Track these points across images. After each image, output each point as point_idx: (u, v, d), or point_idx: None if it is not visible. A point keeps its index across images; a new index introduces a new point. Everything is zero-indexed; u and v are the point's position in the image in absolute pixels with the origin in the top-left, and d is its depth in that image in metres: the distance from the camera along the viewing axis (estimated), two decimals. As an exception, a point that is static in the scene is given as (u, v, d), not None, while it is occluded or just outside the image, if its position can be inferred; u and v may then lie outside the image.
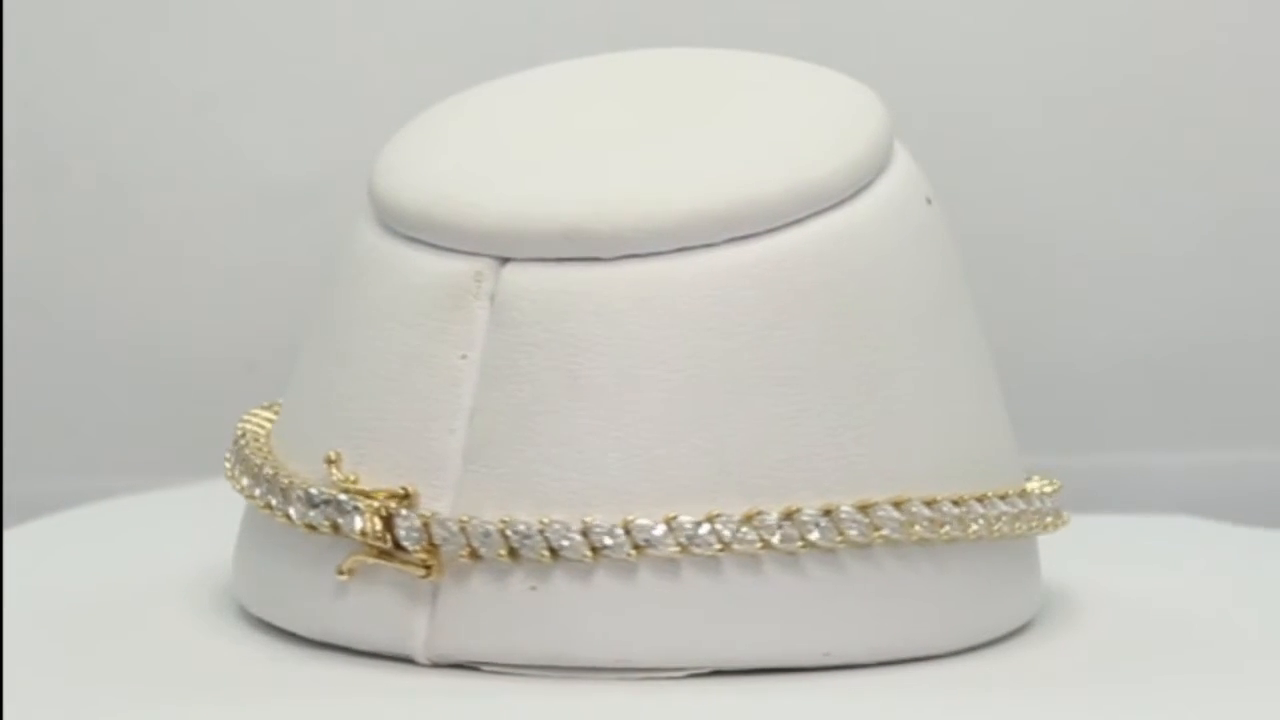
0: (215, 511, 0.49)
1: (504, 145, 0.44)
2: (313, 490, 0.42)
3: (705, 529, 0.40)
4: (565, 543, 0.40)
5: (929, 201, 0.44)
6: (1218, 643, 0.46)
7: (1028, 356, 0.74)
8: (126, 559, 0.52)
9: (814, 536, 0.41)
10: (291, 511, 0.42)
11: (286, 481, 0.43)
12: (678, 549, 0.40)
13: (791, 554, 0.41)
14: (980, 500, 0.43)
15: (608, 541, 0.40)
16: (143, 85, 0.73)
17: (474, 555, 0.41)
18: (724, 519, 0.40)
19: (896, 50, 0.73)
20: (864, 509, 0.41)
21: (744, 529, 0.40)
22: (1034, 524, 0.44)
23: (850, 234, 0.42)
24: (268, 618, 0.44)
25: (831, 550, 0.41)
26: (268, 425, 0.46)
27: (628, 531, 0.40)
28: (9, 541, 0.52)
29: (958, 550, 0.43)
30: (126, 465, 0.74)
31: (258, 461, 0.44)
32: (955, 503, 0.42)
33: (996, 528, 0.43)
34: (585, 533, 0.40)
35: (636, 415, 0.41)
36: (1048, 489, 0.46)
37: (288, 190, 0.73)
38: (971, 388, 0.44)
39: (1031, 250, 0.74)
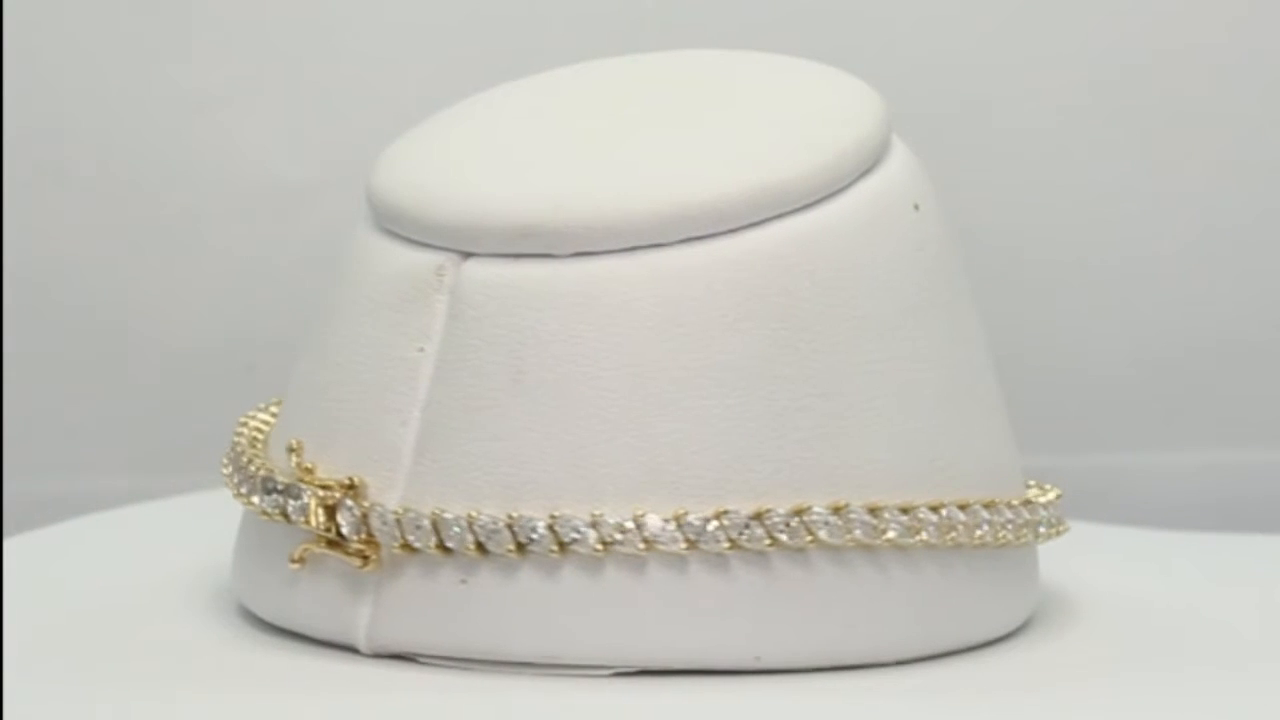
0: (224, 517, 0.49)
1: (487, 145, 0.45)
2: (270, 478, 0.43)
3: (630, 527, 0.40)
4: (492, 538, 0.41)
5: (917, 208, 0.44)
6: (1215, 644, 0.46)
7: (1028, 357, 0.74)
8: (127, 560, 0.52)
9: (742, 539, 0.40)
10: (255, 499, 0.43)
11: (253, 469, 0.43)
12: (601, 547, 0.40)
13: (719, 555, 0.41)
14: (935, 509, 0.42)
15: (534, 537, 0.40)
16: (143, 85, 0.73)
17: (407, 548, 0.41)
18: (650, 518, 0.40)
19: (897, 50, 0.73)
20: (799, 513, 0.41)
21: (670, 529, 0.40)
22: (1011, 534, 0.44)
23: (813, 238, 0.42)
24: (248, 606, 0.45)
25: (761, 553, 0.41)
26: (268, 423, 0.47)
27: (552, 528, 0.40)
28: (9, 550, 0.52)
29: (904, 558, 0.42)
30: (126, 465, 0.74)
31: (239, 452, 0.45)
32: (903, 510, 0.41)
33: (950, 536, 0.42)
34: (512, 528, 0.41)
35: (574, 412, 0.41)
36: (1039, 498, 0.45)
37: (288, 190, 0.73)
38: (951, 396, 0.44)
39: (1031, 251, 0.74)
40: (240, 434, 0.46)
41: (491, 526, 0.41)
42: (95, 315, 0.74)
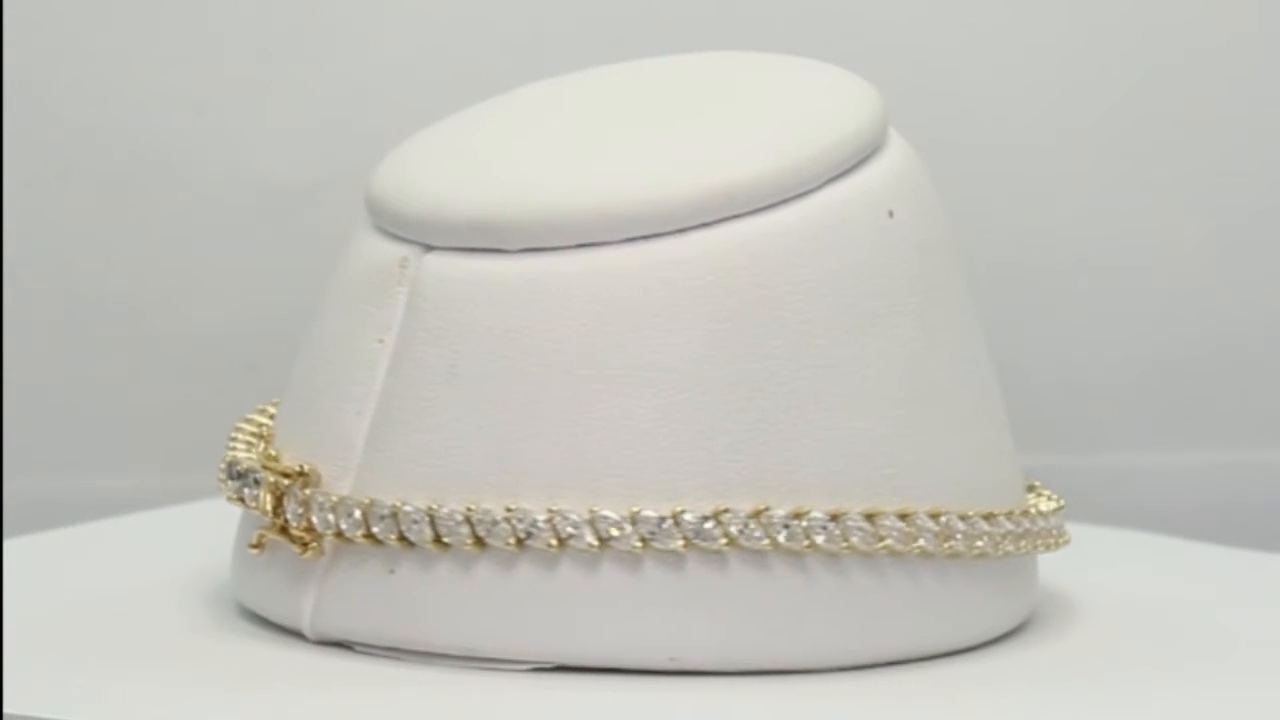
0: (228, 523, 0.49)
1: (467, 143, 0.45)
2: (236, 463, 0.44)
3: (543, 524, 0.40)
4: (413, 529, 0.41)
5: (891, 214, 0.43)
6: (1213, 645, 0.46)
7: (1028, 357, 0.74)
8: (127, 561, 0.52)
9: (654, 540, 0.40)
10: (226, 484, 0.44)
11: (228, 456, 0.44)
12: (515, 542, 0.40)
13: (632, 555, 0.41)
14: (870, 517, 0.41)
15: (451, 530, 0.41)
16: (143, 86, 0.73)
17: (341, 537, 0.42)
18: (568, 515, 0.40)
19: (898, 51, 0.73)
20: (716, 515, 0.40)
21: (584, 527, 0.40)
22: (963, 545, 0.42)
23: (764, 242, 0.42)
24: (235, 594, 0.46)
25: (674, 553, 0.41)
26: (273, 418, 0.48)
27: (470, 521, 0.41)
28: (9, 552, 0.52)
29: (834, 563, 0.41)
30: (127, 465, 0.74)
31: (229, 440, 0.46)
32: (833, 517, 0.41)
33: (883, 544, 0.41)
34: (433, 520, 0.41)
35: (501, 406, 0.41)
36: (1035, 506, 0.45)
37: (288, 191, 0.73)
38: (914, 404, 0.43)
39: (1032, 251, 0.74)
40: (241, 428, 0.46)
41: (414, 518, 0.41)
42: (95, 315, 0.74)
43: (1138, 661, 0.44)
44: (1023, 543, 0.44)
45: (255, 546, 0.43)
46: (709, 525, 0.40)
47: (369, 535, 0.41)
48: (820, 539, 0.41)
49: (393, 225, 0.44)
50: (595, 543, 0.40)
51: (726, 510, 0.41)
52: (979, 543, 0.43)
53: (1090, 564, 0.51)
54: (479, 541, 0.41)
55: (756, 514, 0.41)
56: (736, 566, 0.41)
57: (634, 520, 0.40)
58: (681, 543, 0.40)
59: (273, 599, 0.44)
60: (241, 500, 0.43)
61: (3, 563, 0.49)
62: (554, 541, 0.40)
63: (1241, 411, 0.74)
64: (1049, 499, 0.47)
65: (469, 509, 0.41)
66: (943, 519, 0.42)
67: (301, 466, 0.43)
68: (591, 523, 0.40)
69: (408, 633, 0.42)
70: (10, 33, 0.72)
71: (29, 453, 0.74)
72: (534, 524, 0.40)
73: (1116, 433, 0.74)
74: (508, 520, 0.40)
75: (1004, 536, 0.43)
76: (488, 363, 0.42)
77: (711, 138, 0.43)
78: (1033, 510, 0.45)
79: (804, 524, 0.41)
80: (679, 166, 0.42)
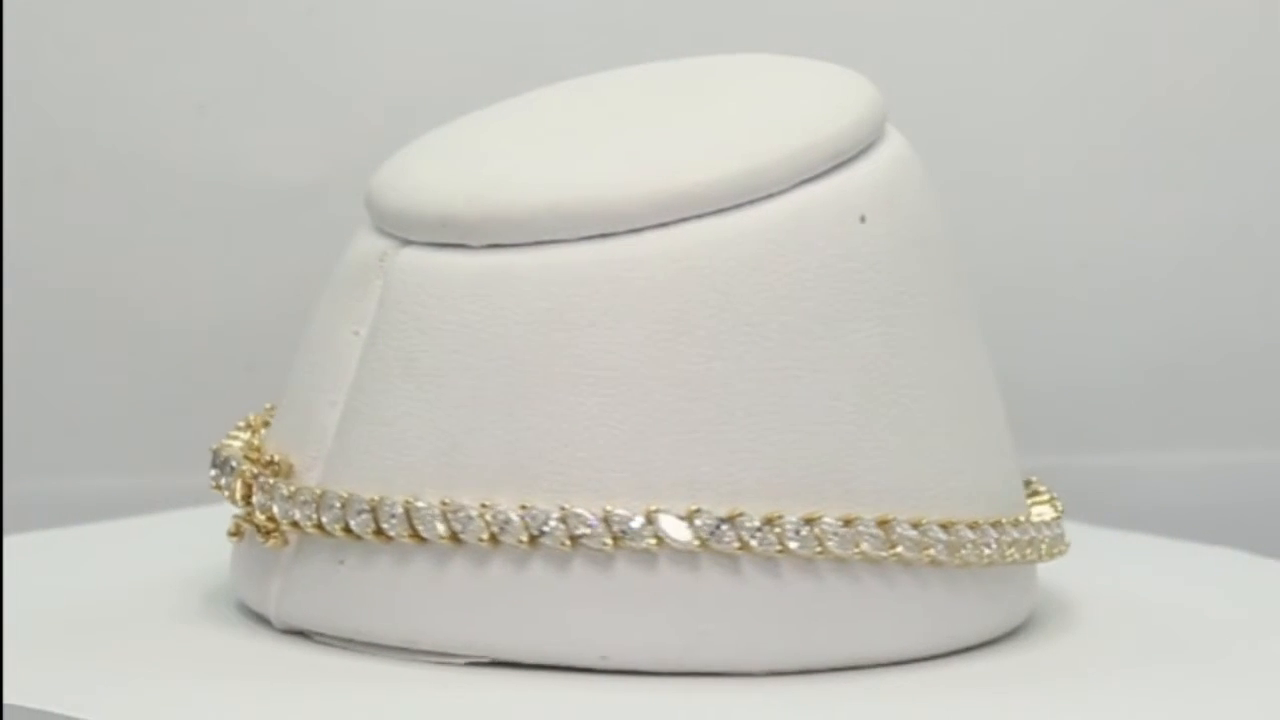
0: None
1: (457, 142, 0.46)
2: (218, 453, 0.45)
3: (474, 518, 0.41)
4: (357, 519, 0.42)
5: (863, 220, 0.43)
6: (1212, 645, 0.46)
7: (1028, 357, 0.74)
8: (126, 561, 0.52)
9: (584, 538, 0.40)
10: (210, 472, 0.45)
11: (216, 446, 0.45)
12: (448, 537, 0.41)
13: (562, 552, 0.41)
14: (810, 521, 0.41)
15: (392, 524, 0.41)
16: (143, 86, 0.73)
17: (295, 526, 0.42)
18: (499, 511, 0.41)
19: (897, 52, 0.73)
20: (648, 516, 0.40)
21: (516, 524, 0.40)
22: (914, 553, 0.42)
23: (719, 243, 0.42)
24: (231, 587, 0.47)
25: (605, 554, 0.40)
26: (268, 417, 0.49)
27: (409, 514, 0.41)
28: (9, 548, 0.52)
29: (769, 566, 0.41)
30: (127, 465, 0.74)
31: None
32: (768, 520, 0.40)
33: (821, 549, 0.41)
34: (375, 512, 0.41)
35: (447, 401, 0.42)
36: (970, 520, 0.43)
37: (288, 192, 0.73)
38: (868, 409, 0.42)
39: (1032, 252, 0.74)
40: (243, 420, 0.47)
41: (359, 510, 0.41)
42: (95, 315, 0.74)
43: (1137, 662, 0.44)
44: (1011, 551, 0.44)
45: (233, 534, 0.44)
46: (638, 524, 0.40)
47: (319, 526, 0.42)
48: (754, 542, 0.41)
49: (379, 220, 0.44)
50: (526, 539, 0.40)
51: (658, 510, 0.40)
52: (962, 551, 0.42)
53: (1090, 564, 0.51)
54: (416, 535, 0.41)
55: (689, 516, 0.40)
56: (666, 567, 0.41)
57: (565, 518, 0.40)
58: (610, 542, 0.40)
59: (248, 586, 0.44)
60: (220, 488, 0.44)
61: (2, 560, 0.50)
62: (486, 537, 0.41)
63: (1241, 412, 0.74)
64: (1050, 502, 0.47)
65: (408, 502, 0.41)
66: (898, 526, 0.42)
67: (273, 456, 0.43)
68: (524, 520, 0.40)
69: (355, 624, 0.42)
70: (10, 33, 0.72)
71: (29, 453, 0.74)
72: (468, 519, 0.41)
73: (1116, 433, 0.74)
74: (444, 515, 0.41)
75: (981, 544, 0.43)
76: (440, 357, 0.42)
77: (682, 139, 0.43)
78: (1024, 519, 0.44)
79: (738, 528, 0.41)
80: (641, 167, 0.42)
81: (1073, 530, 0.48)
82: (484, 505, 0.41)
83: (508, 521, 0.40)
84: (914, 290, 0.44)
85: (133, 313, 0.74)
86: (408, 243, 0.43)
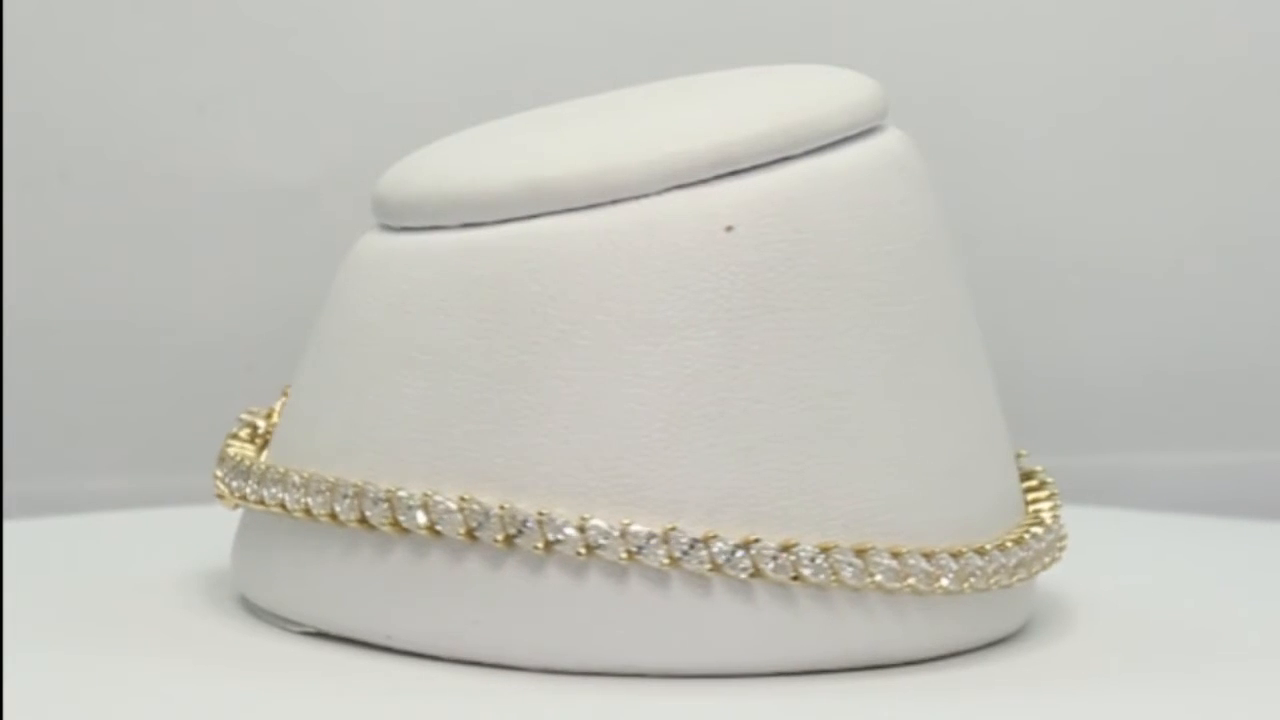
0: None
1: (469, 140, 0.46)
2: (235, 427, 0.47)
3: (417, 508, 0.41)
4: (251, 491, 0.43)
5: (729, 229, 0.41)
6: (1214, 643, 0.46)
7: (1028, 357, 0.74)
8: (125, 555, 0.52)
9: (403, 520, 0.41)
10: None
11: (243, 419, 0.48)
12: (304, 512, 0.42)
13: (383, 534, 0.41)
14: (622, 528, 0.40)
15: (319, 509, 0.42)
16: (143, 86, 0.73)
17: (261, 503, 0.43)
18: (340, 488, 0.42)
19: (899, 50, 0.73)
20: (581, 522, 0.40)
21: (346, 503, 0.41)
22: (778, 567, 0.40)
23: (560, 239, 0.42)
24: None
25: (538, 555, 0.40)
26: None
27: (285, 486, 0.43)
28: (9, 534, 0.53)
29: (605, 566, 0.40)
30: (126, 465, 0.74)
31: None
32: (579, 525, 0.40)
33: (796, 575, 0.40)
34: (260, 483, 0.43)
35: (334, 380, 0.44)
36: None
37: (288, 192, 0.73)
38: (687, 419, 0.41)
39: (1032, 252, 0.74)
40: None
41: (274, 477, 0.43)
42: (95, 315, 0.74)
43: (1137, 662, 0.44)
44: (997, 578, 0.42)
45: (220, 496, 0.45)
46: (452, 514, 0.41)
47: (282, 507, 0.43)
48: (723, 562, 0.40)
49: (372, 206, 0.45)
50: (355, 518, 0.41)
51: (473, 499, 0.41)
52: (943, 581, 0.41)
53: (1090, 564, 0.51)
54: (334, 518, 0.42)
55: (501, 510, 0.40)
56: (473, 560, 0.41)
57: (505, 516, 0.41)
58: (424, 525, 0.41)
59: (248, 578, 0.46)
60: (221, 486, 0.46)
61: (2, 555, 0.50)
62: (325, 515, 0.42)
63: (1241, 412, 0.74)
64: (1050, 496, 0.46)
65: (284, 473, 0.43)
66: (875, 555, 0.41)
67: (254, 422, 0.46)
68: (356, 497, 0.42)
69: (284, 607, 0.44)
70: (10, 33, 0.72)
71: (29, 453, 0.74)
72: (407, 511, 0.41)
73: (1116, 433, 0.74)
74: (386, 506, 0.41)
75: (966, 574, 0.42)
76: (345, 335, 0.44)
77: (599, 136, 0.43)
78: (1011, 543, 0.43)
79: (710, 548, 0.40)
80: (525, 160, 0.43)
81: (1072, 531, 0.47)
82: (463, 499, 0.41)
83: (338, 500, 0.42)
84: (900, 296, 0.43)
85: (132, 313, 0.74)
86: (386, 228, 0.44)
